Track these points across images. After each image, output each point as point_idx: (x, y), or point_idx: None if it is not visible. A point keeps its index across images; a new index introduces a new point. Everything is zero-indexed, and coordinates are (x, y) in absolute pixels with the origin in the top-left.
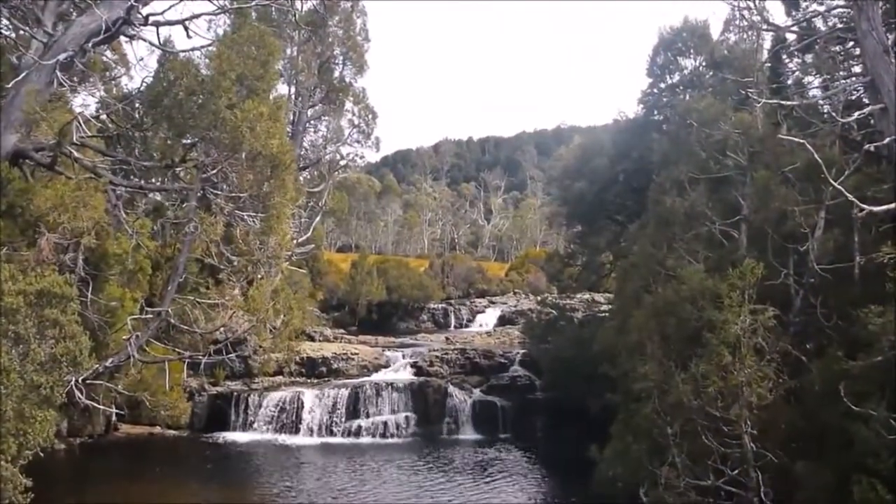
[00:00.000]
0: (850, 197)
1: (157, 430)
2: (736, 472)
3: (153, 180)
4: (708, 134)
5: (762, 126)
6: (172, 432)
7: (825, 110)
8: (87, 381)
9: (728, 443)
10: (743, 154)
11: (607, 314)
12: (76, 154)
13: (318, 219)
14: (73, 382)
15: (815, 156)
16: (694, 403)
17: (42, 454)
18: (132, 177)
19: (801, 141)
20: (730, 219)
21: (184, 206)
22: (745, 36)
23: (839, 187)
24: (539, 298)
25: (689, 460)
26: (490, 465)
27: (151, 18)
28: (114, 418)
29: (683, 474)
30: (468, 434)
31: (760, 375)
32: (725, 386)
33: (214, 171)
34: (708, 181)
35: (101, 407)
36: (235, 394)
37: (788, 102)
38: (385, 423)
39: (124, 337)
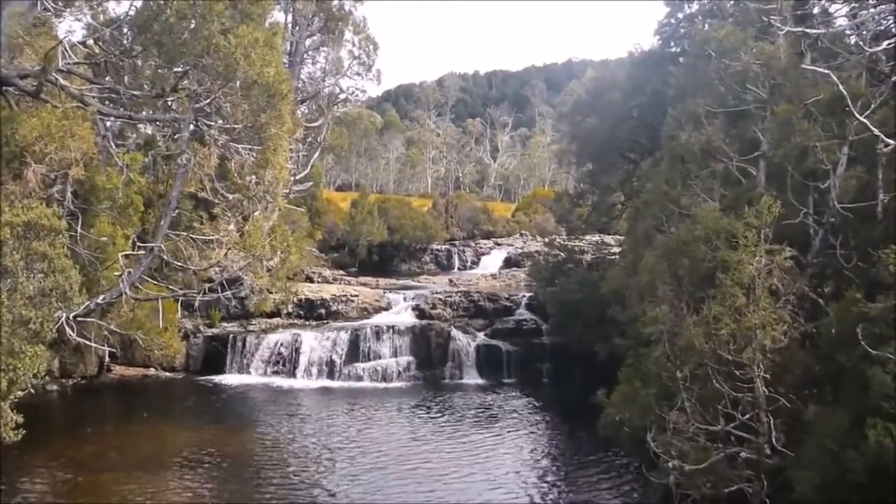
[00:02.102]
0: (876, 131)
1: (152, 371)
2: (747, 416)
3: (143, 112)
4: (727, 65)
5: (785, 56)
6: (167, 374)
7: (852, 40)
8: (79, 319)
9: (739, 387)
10: (763, 86)
11: (617, 256)
12: (62, 82)
13: (316, 155)
14: (63, 318)
15: (840, 88)
16: (705, 347)
17: (33, 391)
18: (121, 107)
19: (826, 71)
20: (748, 155)
21: (176, 137)
22: None
23: (864, 121)
24: (546, 240)
25: (698, 405)
26: (494, 410)
27: None
28: (107, 359)
29: (693, 419)
30: (471, 379)
31: (775, 318)
32: (738, 328)
33: (207, 101)
34: (726, 115)
35: (93, 345)
36: (232, 335)
37: (813, 31)
38: (386, 367)
39: (116, 273)
